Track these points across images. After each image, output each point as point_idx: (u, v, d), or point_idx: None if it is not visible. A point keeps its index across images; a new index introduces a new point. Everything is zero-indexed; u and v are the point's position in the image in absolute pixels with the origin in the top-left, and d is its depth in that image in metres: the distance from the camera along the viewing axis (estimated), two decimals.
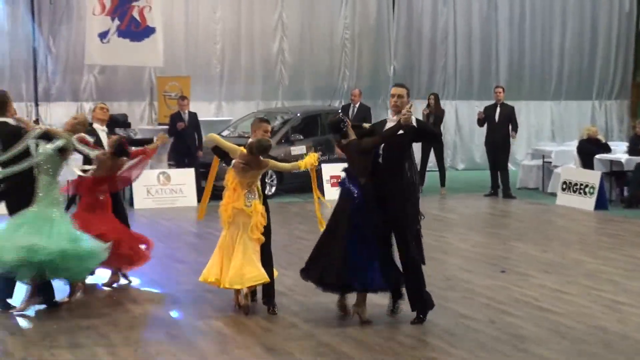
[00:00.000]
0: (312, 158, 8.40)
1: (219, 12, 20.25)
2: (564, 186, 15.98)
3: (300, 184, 15.63)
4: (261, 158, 8.18)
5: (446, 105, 20.56)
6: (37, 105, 18.70)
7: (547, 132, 23.00)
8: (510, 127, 16.83)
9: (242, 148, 8.23)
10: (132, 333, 7.65)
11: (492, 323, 7.95)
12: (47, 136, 8.36)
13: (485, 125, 17.07)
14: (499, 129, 16.76)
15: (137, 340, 7.44)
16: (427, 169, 17.66)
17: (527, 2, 22.69)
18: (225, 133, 17.75)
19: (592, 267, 10.53)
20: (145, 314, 8.33)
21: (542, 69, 22.99)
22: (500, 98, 16.86)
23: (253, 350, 7.17)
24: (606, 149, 16.61)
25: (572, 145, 17.67)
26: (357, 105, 17.58)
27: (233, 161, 8.17)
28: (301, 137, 17.30)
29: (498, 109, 16.83)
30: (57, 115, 18.46)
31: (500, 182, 16.86)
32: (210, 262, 8.34)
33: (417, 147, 19.34)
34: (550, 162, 17.59)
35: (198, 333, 7.65)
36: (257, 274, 8.00)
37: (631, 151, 16.23)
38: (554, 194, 16.43)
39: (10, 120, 8.63)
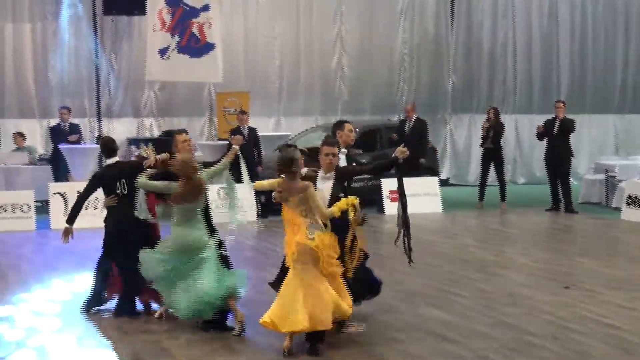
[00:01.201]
0: (345, 203, 7.48)
1: (278, 27, 20.40)
2: (629, 201, 15.68)
3: None
4: (294, 182, 7.31)
5: (506, 119, 20.36)
6: (99, 121, 19.03)
7: (610, 146, 22.60)
8: (570, 140, 16.62)
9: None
10: (192, 347, 7.67)
11: (555, 340, 7.78)
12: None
13: (545, 139, 16.85)
14: (559, 142, 16.50)
15: (198, 355, 7.45)
16: (488, 184, 17.45)
17: (589, 13, 22.37)
18: None
19: None
20: (205, 328, 8.33)
21: (605, 81, 22.63)
22: (560, 114, 16.61)
23: None
24: None
25: (637, 159, 17.35)
26: (412, 120, 17.44)
27: (273, 194, 7.58)
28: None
29: (557, 123, 16.59)
30: (119, 131, 18.77)
31: (561, 197, 16.60)
32: (283, 309, 7.25)
33: (476, 162, 19.44)
34: (614, 177, 17.28)
35: (259, 348, 7.63)
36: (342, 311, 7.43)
37: None
38: (618, 209, 16.12)
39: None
